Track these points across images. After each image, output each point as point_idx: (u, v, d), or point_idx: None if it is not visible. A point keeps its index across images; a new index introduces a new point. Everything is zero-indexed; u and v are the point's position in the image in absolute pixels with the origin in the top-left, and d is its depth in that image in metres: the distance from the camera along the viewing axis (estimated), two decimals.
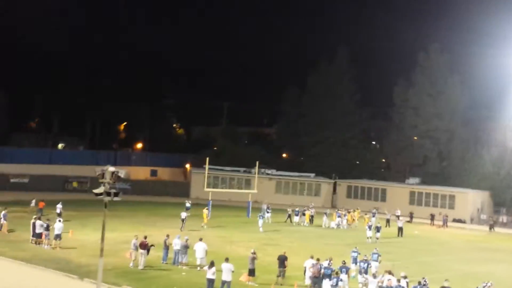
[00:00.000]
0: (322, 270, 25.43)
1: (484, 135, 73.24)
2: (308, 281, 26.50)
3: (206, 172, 55.02)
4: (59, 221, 33.69)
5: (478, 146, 72.77)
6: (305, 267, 27.04)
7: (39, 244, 33.19)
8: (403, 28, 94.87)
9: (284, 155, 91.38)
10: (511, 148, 70.34)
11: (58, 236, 32.80)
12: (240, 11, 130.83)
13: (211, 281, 24.17)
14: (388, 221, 54.21)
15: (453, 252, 43.10)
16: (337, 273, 24.81)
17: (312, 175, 76.90)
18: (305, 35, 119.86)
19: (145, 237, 29.53)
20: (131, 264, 28.92)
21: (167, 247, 30.52)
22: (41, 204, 45.21)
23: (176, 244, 30.03)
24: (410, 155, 78.03)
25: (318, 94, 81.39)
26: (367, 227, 44.61)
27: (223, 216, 50.98)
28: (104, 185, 17.36)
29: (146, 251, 28.80)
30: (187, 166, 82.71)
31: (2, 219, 37.32)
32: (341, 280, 24.48)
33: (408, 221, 56.77)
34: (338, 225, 51.89)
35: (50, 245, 32.76)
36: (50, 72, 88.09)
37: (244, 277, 27.04)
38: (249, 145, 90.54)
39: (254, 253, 27.51)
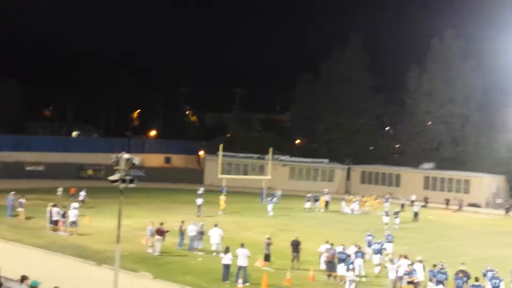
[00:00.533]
0: (337, 255, 25.51)
1: (498, 120, 72.73)
2: (323, 266, 26.59)
3: (220, 158, 55.14)
4: (74, 208, 33.94)
5: (492, 131, 72.28)
6: (320, 252, 27.11)
7: (56, 231, 33.50)
8: (417, 13, 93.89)
9: (297, 141, 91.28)
10: None
11: (74, 223, 33.11)
12: None
13: (227, 267, 24.32)
14: (402, 206, 54.05)
15: (469, 236, 42.96)
16: (349, 256, 24.79)
17: (326, 161, 76.77)
18: (318, 21, 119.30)
19: (161, 224, 29.74)
20: (149, 250, 29.13)
21: (182, 233, 30.72)
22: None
23: (192, 230, 30.19)
24: (424, 140, 77.63)
25: (331, 80, 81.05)
26: (384, 213, 44.13)
27: (237, 203, 51.07)
28: (119, 172, 17.41)
29: (162, 237, 29.01)
30: (201, 153, 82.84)
31: (19, 207, 37.70)
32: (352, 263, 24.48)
33: (423, 206, 56.57)
34: (352, 210, 51.86)
35: (67, 231, 33.05)
36: (65, 61, 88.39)
37: (259, 262, 27.17)
38: (263, 131, 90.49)
39: (269, 238, 27.61)
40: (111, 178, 17.65)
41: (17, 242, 30.16)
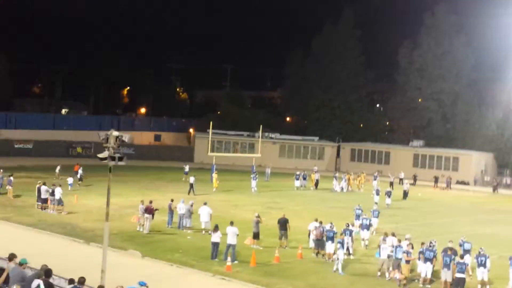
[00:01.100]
0: (325, 233, 25.61)
1: (488, 96, 72.94)
2: (312, 244, 26.70)
3: (210, 136, 55.03)
4: (60, 186, 33.81)
5: (482, 108, 72.51)
6: (309, 230, 27.21)
7: (44, 209, 33.40)
8: None
9: (288, 118, 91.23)
10: None
11: (59, 201, 32.98)
12: None
13: (215, 245, 24.35)
14: (391, 184, 54.22)
15: (457, 214, 43.26)
16: (341, 235, 24.95)
17: (316, 138, 76.85)
18: None
19: (150, 202, 29.69)
20: (139, 229, 29.11)
21: (171, 212, 30.72)
22: (76, 167, 45.50)
23: (181, 208, 30.19)
24: (414, 118, 77.80)
25: (322, 57, 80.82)
26: (374, 192, 44.04)
27: (227, 181, 51.10)
28: (108, 150, 17.28)
29: (151, 215, 28.99)
30: (191, 130, 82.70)
31: (7, 185, 37.53)
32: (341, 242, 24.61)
33: (411, 184, 56.82)
34: (342, 188, 52.02)
35: (56, 210, 32.97)
36: (53, 37, 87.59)
37: (248, 240, 27.23)
38: (253, 109, 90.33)
39: (258, 216, 27.63)
40: (100, 155, 17.47)
41: (5, 220, 30.03)
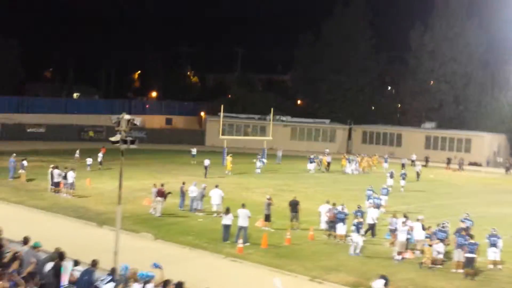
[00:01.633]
0: (337, 215, 25.64)
1: (501, 78, 72.40)
2: (324, 226, 26.73)
3: (221, 119, 55.07)
4: (72, 170, 33.99)
5: (495, 90, 72.01)
6: (320, 212, 27.25)
7: (57, 192, 33.65)
8: None
9: (299, 101, 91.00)
10: None
11: (71, 185, 33.22)
12: None
13: (227, 227, 24.46)
14: (403, 165, 54.08)
15: (469, 195, 43.08)
16: (356, 217, 24.72)
17: (327, 121, 76.70)
18: None
19: (162, 185, 29.83)
20: (151, 211, 29.27)
21: (183, 194, 30.85)
22: (103, 150, 45.23)
23: (193, 191, 30.30)
24: (426, 100, 77.38)
25: (333, 40, 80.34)
26: (388, 174, 43.41)
27: (239, 163, 51.18)
28: (120, 133, 17.34)
29: (163, 198, 29.13)
30: (202, 114, 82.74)
31: (20, 169, 37.82)
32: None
33: (423, 166, 56.66)
34: (352, 171, 51.97)
35: (69, 193, 33.21)
36: (65, 22, 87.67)
37: (260, 222, 27.33)
38: (264, 92, 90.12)
39: (269, 199, 27.71)
40: (112, 139, 17.55)
41: (19, 204, 30.35)
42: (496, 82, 72.80)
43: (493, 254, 22.10)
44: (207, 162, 44.19)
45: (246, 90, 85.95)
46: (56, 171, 34.14)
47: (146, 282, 13.94)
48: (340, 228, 25.29)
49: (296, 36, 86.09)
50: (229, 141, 55.46)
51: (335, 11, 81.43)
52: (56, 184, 33.95)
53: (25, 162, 38.05)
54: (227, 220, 24.50)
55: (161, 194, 29.11)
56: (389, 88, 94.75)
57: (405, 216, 24.81)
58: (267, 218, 27.35)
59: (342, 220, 25.27)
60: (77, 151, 48.09)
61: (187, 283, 13.97)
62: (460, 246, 21.56)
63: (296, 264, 21.49)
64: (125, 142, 17.31)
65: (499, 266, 22.15)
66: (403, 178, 43.02)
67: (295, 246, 24.21)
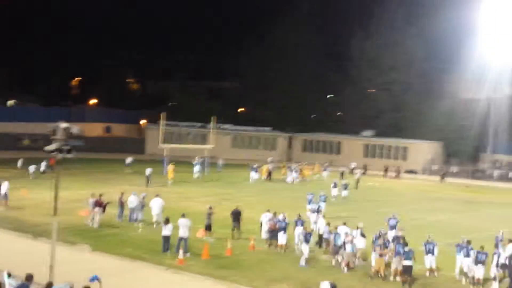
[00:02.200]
0: (278, 224, 25.72)
1: (438, 87, 74.23)
2: (264, 235, 26.70)
3: (161, 127, 54.46)
4: (6, 180, 33.03)
5: (432, 98, 73.77)
6: (261, 221, 27.24)
7: None
8: None
9: (241, 109, 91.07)
10: (463, 100, 71.58)
11: (5, 196, 32.21)
12: None
13: (167, 238, 24.10)
14: (342, 174, 54.80)
15: (407, 202, 43.88)
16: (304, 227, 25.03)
17: (268, 129, 76.98)
18: None
19: (100, 195, 29.22)
20: (88, 223, 28.58)
21: (122, 205, 30.30)
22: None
23: (132, 201, 29.83)
24: (365, 108, 78.59)
25: (276, 47, 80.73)
26: (332, 184, 43.67)
27: (180, 172, 50.73)
28: (56, 142, 16.91)
29: (101, 209, 28.55)
30: (143, 122, 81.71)
31: None
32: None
33: (362, 174, 57.59)
34: (293, 179, 52.26)
35: (1, 205, 32.14)
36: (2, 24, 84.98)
37: (200, 232, 27.10)
38: (207, 100, 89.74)
39: (211, 208, 27.56)
40: (48, 148, 17.14)
41: None
42: (433, 91, 74.60)
43: (429, 261, 22.54)
44: (148, 171, 43.65)
45: (189, 98, 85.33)
46: None
47: None
48: (281, 237, 25.35)
49: (239, 43, 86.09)
50: (172, 150, 54.88)
51: (277, 18, 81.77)
52: None
53: None
54: (166, 231, 24.18)
55: (99, 204, 28.52)
56: (329, 96, 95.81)
57: (344, 224, 25.10)
58: (208, 227, 27.17)
59: (283, 229, 25.36)
60: (20, 160, 46.81)
61: None
62: (398, 254, 21.91)
63: (238, 275, 21.37)
64: (61, 151, 16.89)
65: (435, 273, 22.61)
66: (345, 188, 43.49)
67: (237, 257, 24.09)
